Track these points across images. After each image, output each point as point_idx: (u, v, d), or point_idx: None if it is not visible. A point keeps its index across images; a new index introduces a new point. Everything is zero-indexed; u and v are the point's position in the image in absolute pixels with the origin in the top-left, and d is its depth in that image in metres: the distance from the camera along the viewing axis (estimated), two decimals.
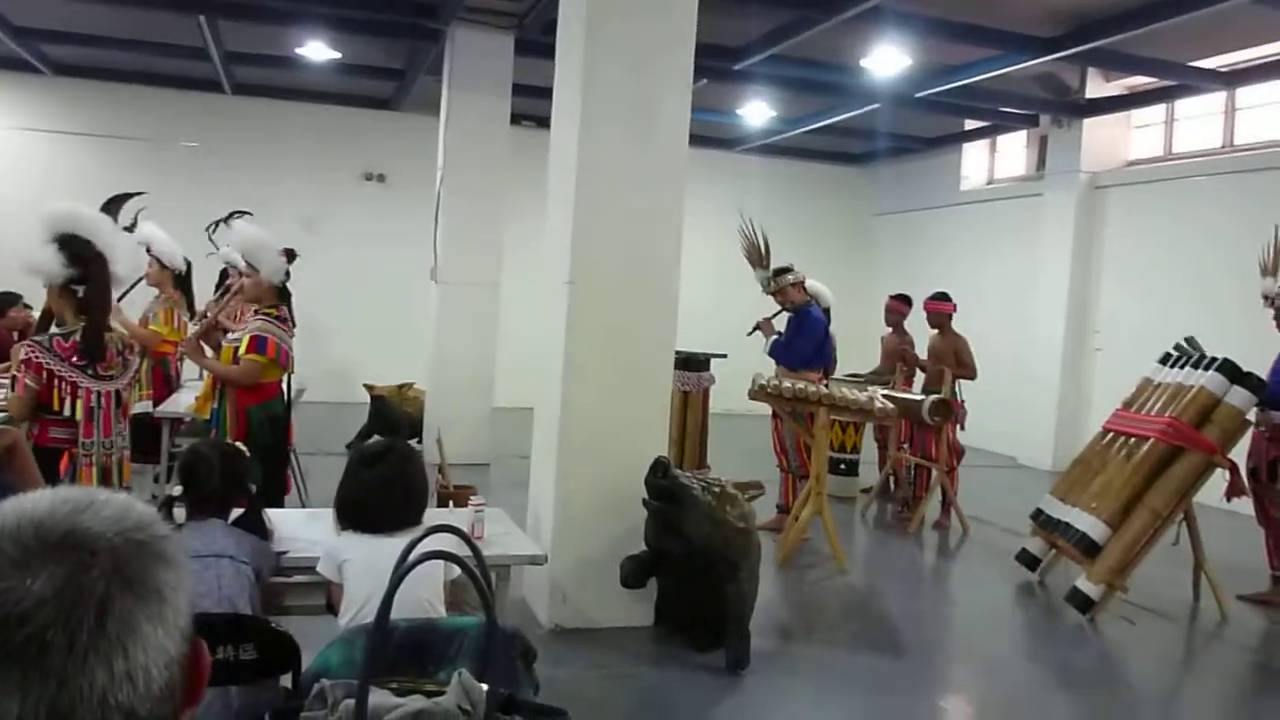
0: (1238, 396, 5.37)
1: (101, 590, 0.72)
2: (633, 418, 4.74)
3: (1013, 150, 12.51)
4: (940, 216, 13.01)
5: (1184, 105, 9.99)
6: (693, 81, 4.87)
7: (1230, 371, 5.41)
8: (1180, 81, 9.20)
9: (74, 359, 3.53)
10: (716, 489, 4.40)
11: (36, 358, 3.48)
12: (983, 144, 12.73)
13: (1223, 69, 8.95)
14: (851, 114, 10.78)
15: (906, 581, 6.33)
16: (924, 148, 12.96)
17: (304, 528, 3.41)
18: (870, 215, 14.41)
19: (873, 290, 11.65)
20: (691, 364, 6.90)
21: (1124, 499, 5.33)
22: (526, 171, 9.36)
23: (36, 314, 4.44)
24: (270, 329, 4.52)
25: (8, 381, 4.01)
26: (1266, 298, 5.90)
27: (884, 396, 6.44)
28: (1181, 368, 5.66)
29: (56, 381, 3.49)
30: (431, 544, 1.75)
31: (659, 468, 4.46)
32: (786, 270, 6.87)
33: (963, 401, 7.45)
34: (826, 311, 7.13)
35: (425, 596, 2.71)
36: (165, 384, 6.37)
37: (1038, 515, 5.95)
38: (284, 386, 4.68)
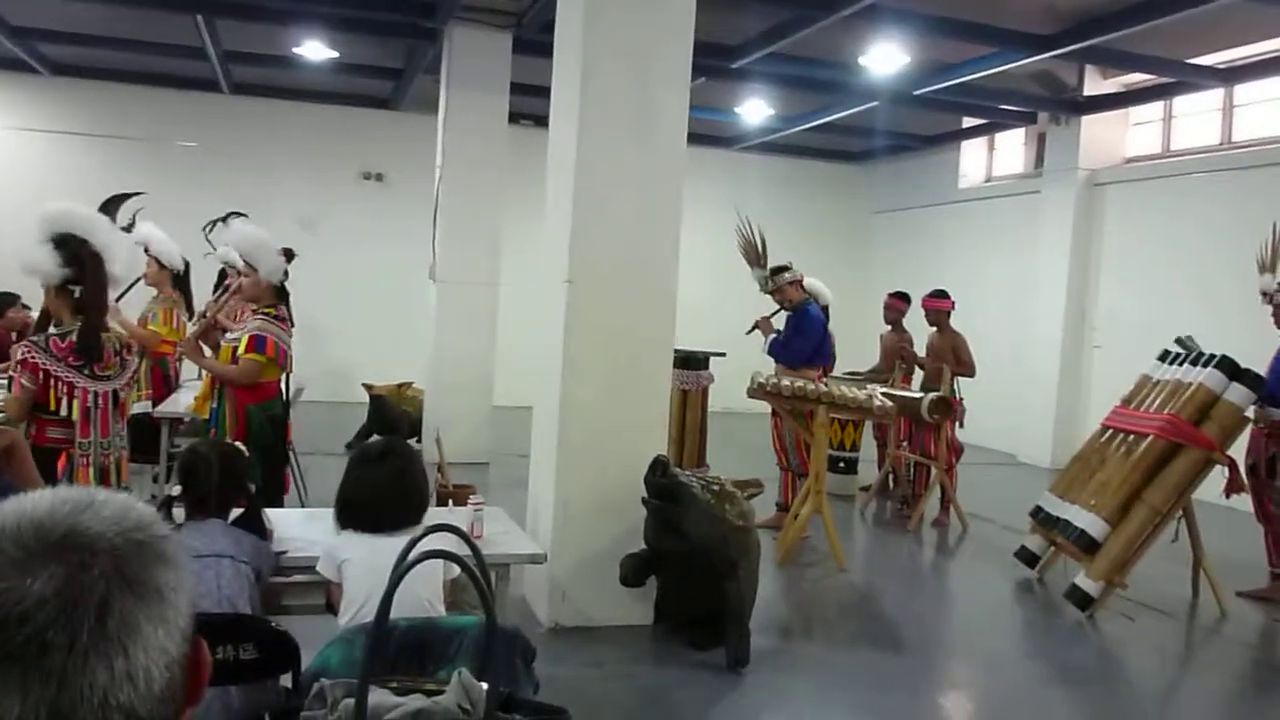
0: (1236, 393, 5.37)
1: (102, 590, 0.71)
2: (632, 416, 4.74)
3: (1011, 148, 12.51)
4: (939, 214, 13.01)
5: (1182, 102, 9.99)
6: (691, 79, 4.86)
7: (1229, 368, 5.41)
8: (1178, 78, 9.19)
9: (71, 359, 3.53)
10: (716, 487, 4.40)
11: (32, 358, 3.48)
12: (981, 141, 12.72)
13: (1221, 66, 8.96)
14: (850, 112, 10.77)
15: (906, 579, 6.34)
16: (922, 145, 12.95)
17: (303, 527, 3.42)
18: (869, 213, 14.41)
19: (871, 288, 11.67)
20: (690, 362, 6.90)
21: (1123, 496, 5.33)
22: (525, 170, 9.34)
23: (35, 314, 4.43)
24: (269, 328, 4.51)
25: (5, 382, 4.00)
26: (1265, 294, 5.90)
27: (883, 394, 6.43)
28: (1180, 365, 5.67)
29: (53, 382, 3.49)
30: (431, 543, 1.76)
31: (658, 466, 4.47)
32: (784, 269, 6.86)
33: (961, 399, 7.44)
34: (825, 309, 7.13)
35: (425, 596, 2.71)
36: (164, 384, 6.37)
37: (1037, 512, 5.96)
38: (283, 386, 4.68)
